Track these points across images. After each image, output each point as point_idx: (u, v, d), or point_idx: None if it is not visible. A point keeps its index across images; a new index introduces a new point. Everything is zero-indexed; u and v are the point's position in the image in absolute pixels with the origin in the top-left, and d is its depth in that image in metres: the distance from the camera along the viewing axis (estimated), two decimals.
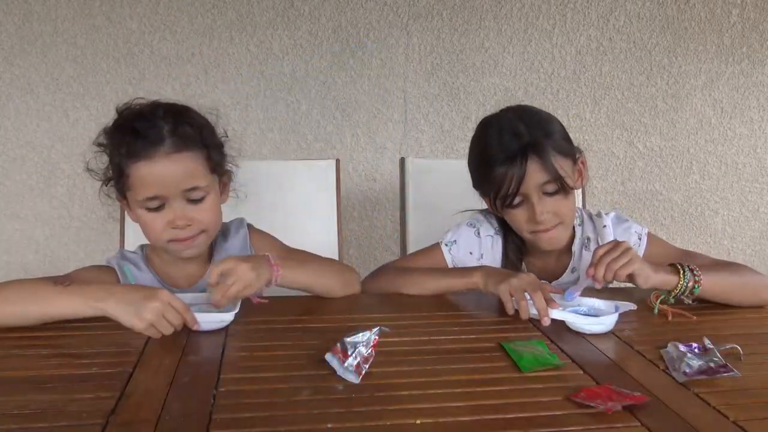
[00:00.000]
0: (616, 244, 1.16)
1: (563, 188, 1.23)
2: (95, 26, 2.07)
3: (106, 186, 1.19)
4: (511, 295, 1.13)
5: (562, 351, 0.97)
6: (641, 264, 1.14)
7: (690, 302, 1.18)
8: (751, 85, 2.41)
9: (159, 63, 2.11)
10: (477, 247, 1.38)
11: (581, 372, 0.90)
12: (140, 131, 1.10)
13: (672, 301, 1.18)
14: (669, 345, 0.97)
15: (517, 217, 1.27)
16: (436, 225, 1.51)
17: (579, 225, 1.38)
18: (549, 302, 1.08)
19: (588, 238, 1.37)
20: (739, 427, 0.74)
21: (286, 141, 2.22)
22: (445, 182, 1.69)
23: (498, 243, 1.39)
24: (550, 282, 1.33)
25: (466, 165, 1.33)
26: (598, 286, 1.15)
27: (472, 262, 1.37)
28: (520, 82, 2.30)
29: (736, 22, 2.35)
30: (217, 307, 1.04)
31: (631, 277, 1.14)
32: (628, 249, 1.14)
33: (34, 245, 2.18)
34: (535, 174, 1.21)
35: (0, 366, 0.89)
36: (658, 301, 1.17)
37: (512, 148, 1.21)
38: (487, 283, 1.20)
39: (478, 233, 1.39)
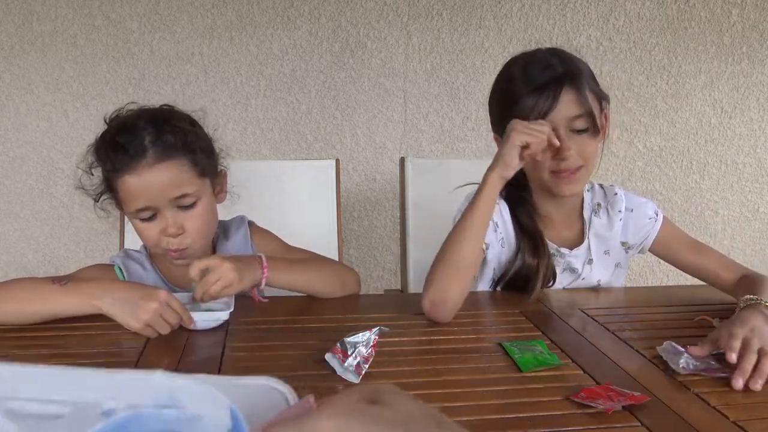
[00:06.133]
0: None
1: (593, 127, 1.17)
2: (95, 26, 2.07)
3: (99, 201, 1.18)
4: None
5: (562, 351, 0.97)
6: None
7: None
8: (751, 85, 2.41)
9: (159, 63, 2.11)
10: None
11: (581, 372, 0.90)
12: (122, 145, 1.09)
13: None
14: (665, 343, 0.96)
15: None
16: (436, 225, 1.51)
17: (588, 191, 1.34)
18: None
19: (598, 204, 1.33)
20: (739, 427, 0.74)
21: (286, 141, 2.22)
22: (445, 182, 1.68)
23: (504, 206, 1.29)
24: (571, 250, 1.28)
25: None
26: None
27: (492, 234, 1.26)
28: None
29: (736, 22, 2.34)
30: (202, 302, 1.04)
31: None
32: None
33: (33, 245, 2.19)
34: (568, 105, 1.14)
35: None
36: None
37: (544, 78, 1.14)
38: None
39: None
